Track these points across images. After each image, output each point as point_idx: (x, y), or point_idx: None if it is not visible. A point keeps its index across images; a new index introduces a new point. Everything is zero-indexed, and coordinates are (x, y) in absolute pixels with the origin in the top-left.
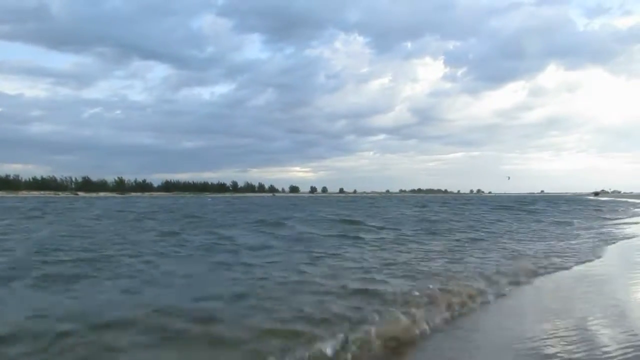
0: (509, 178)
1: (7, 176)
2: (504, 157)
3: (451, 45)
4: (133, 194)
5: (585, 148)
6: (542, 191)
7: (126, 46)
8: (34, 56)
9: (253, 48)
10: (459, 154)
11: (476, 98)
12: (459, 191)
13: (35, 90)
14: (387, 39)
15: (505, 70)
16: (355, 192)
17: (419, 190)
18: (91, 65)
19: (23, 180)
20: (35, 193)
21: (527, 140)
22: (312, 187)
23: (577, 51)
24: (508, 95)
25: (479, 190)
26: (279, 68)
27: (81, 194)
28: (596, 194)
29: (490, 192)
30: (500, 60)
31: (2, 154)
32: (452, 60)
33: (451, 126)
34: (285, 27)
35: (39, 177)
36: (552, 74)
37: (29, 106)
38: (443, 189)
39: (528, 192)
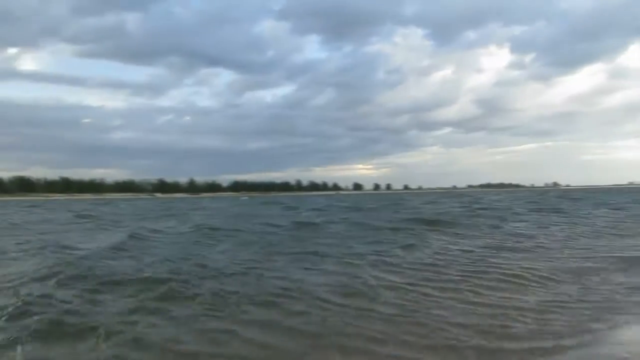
0: None
1: (94, 180)
2: (582, 146)
3: (517, 30)
4: (204, 194)
5: None
6: (630, 183)
7: (194, 55)
8: (112, 70)
9: (311, 49)
10: (531, 145)
11: (547, 85)
12: (532, 185)
13: (115, 101)
14: (448, 29)
15: (579, 53)
16: (420, 188)
17: (488, 185)
18: (163, 76)
19: (107, 183)
20: (118, 195)
21: (610, 127)
22: (375, 184)
23: None
24: (584, 79)
25: (555, 183)
26: (338, 67)
27: (158, 195)
28: None
29: (567, 185)
30: (573, 43)
31: (89, 160)
32: (518, 46)
33: (521, 116)
34: (342, 26)
35: (120, 181)
36: (634, 54)
37: (110, 116)
38: (515, 183)
39: (613, 184)
